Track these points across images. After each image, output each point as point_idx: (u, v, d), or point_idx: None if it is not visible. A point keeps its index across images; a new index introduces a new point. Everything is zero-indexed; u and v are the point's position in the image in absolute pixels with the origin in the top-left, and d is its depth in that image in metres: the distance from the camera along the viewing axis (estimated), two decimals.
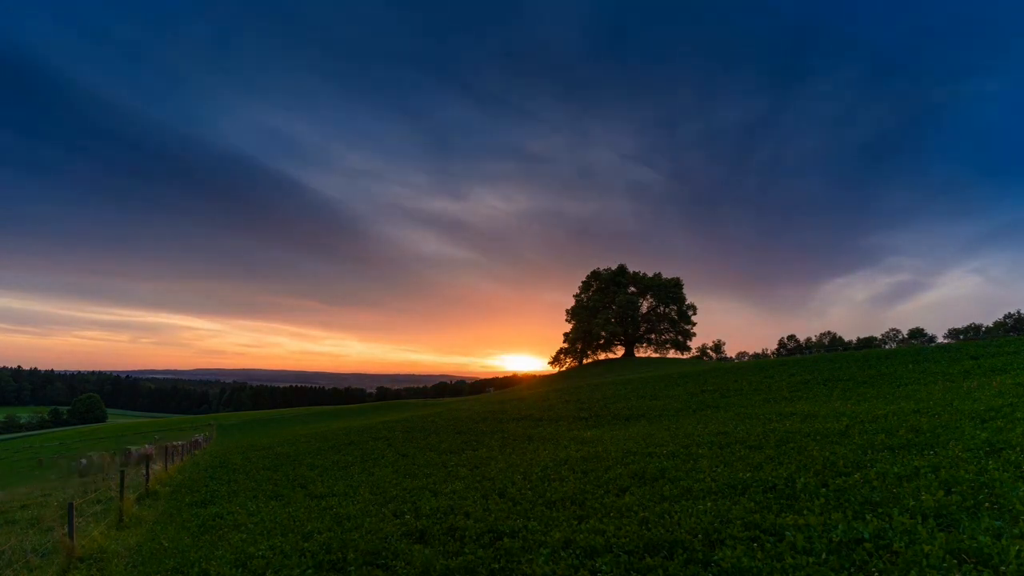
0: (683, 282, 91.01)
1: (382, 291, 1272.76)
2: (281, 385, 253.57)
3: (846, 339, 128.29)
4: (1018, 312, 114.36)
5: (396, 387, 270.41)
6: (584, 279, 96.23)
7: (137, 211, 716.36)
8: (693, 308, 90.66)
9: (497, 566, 6.13)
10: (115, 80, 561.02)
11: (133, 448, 34.72)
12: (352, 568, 6.76)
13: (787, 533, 5.65)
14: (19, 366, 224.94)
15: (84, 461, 30.55)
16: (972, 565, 4.44)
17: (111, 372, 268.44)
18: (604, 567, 5.62)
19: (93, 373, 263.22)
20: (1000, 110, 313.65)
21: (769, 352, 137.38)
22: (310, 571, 6.86)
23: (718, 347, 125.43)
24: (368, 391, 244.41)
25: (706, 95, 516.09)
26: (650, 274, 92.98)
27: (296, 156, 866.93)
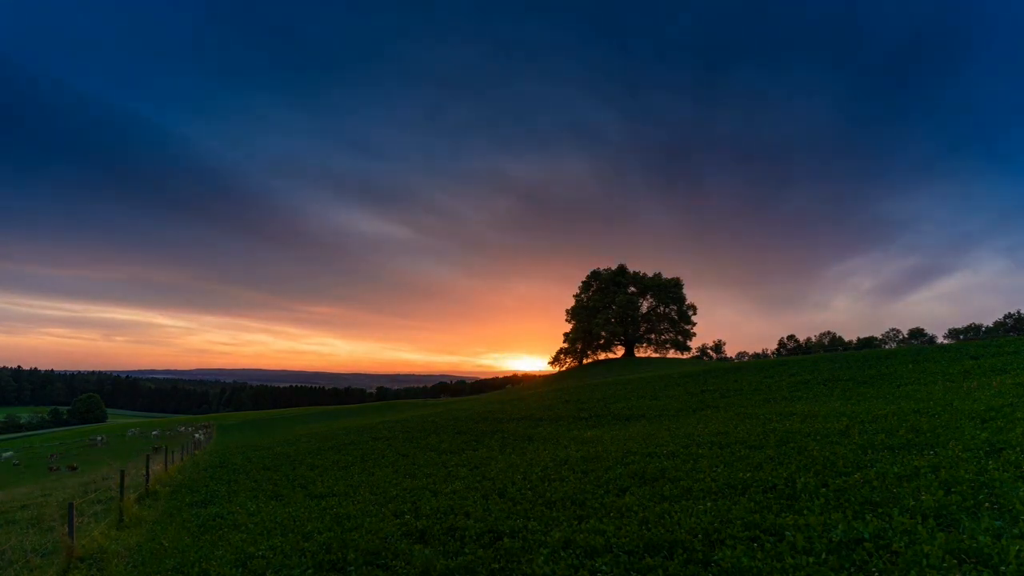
0: (683, 282, 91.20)
1: (330, 281, 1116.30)
2: (281, 385, 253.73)
3: (846, 339, 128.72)
4: (1018, 312, 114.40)
5: (396, 387, 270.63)
6: (584, 279, 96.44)
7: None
8: (693, 308, 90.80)
9: (497, 566, 6.13)
10: None
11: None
12: (352, 568, 6.76)
13: (787, 533, 5.66)
14: (19, 366, 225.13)
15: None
16: (972, 565, 4.44)
17: (111, 372, 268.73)
18: (604, 567, 5.61)
19: (93, 373, 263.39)
20: None
21: (769, 352, 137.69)
22: (310, 571, 6.86)
23: (718, 347, 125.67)
24: (368, 391, 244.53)
25: None
26: (650, 274, 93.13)
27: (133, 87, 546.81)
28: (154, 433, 59.07)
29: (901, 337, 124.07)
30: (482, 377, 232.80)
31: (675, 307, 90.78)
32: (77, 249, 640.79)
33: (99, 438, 55.56)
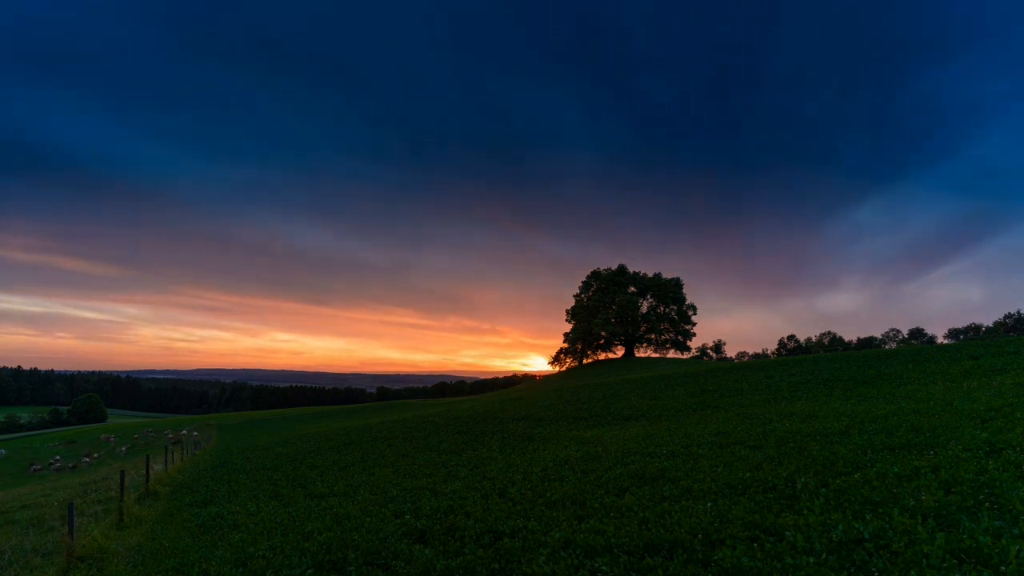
0: (683, 282, 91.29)
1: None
2: (281, 385, 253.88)
3: (846, 339, 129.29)
4: (1018, 312, 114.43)
5: (396, 387, 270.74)
6: (584, 279, 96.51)
7: None
8: (693, 308, 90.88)
9: (497, 566, 6.13)
10: None
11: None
12: (352, 568, 6.76)
13: (787, 533, 5.65)
14: (19, 366, 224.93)
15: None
16: (972, 565, 4.44)
17: (111, 372, 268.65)
18: (604, 567, 5.61)
19: (93, 373, 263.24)
20: None
21: (769, 352, 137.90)
22: (310, 571, 6.86)
23: (718, 347, 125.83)
24: (369, 391, 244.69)
25: None
26: (650, 274, 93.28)
27: None
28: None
29: (901, 337, 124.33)
30: (483, 377, 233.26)
31: (675, 307, 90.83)
32: None
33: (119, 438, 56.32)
